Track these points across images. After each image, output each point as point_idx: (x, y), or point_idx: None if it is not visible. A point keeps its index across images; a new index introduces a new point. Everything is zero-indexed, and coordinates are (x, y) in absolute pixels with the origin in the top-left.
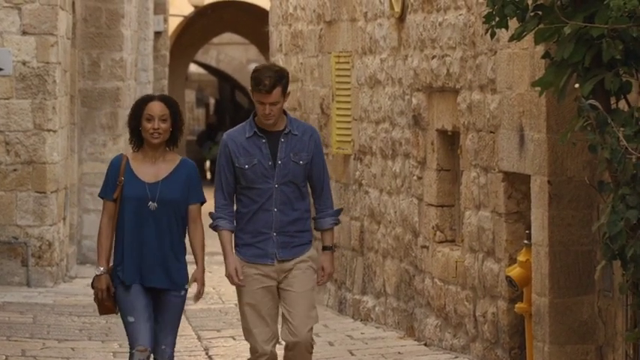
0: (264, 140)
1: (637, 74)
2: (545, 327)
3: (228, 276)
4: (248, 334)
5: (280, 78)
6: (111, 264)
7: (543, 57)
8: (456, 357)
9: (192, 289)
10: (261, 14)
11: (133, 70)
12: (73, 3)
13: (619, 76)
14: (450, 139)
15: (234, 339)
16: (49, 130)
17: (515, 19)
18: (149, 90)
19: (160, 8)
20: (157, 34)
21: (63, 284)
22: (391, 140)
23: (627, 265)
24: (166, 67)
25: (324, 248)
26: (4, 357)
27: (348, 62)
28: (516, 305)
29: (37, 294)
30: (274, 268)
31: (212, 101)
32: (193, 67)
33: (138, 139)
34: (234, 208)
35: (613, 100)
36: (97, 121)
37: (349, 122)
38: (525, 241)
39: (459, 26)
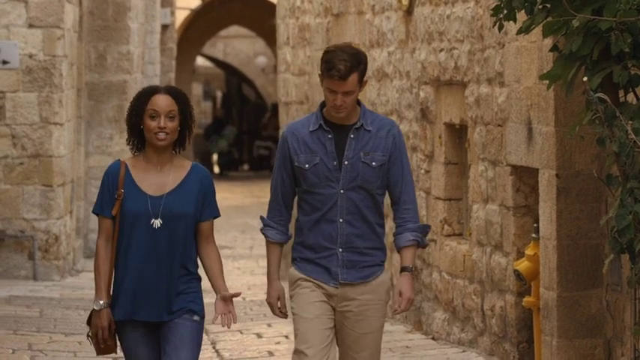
0: (329, 135)
1: None
2: (553, 321)
3: (269, 304)
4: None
5: (358, 63)
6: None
7: (551, 50)
8: (464, 351)
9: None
10: (269, 7)
11: (140, 64)
12: None
13: (627, 69)
14: (458, 133)
15: (242, 333)
16: (55, 124)
17: (523, 11)
18: (155, 83)
19: (167, 1)
20: (164, 27)
21: (69, 278)
22: None
23: (635, 259)
24: (173, 60)
25: (403, 269)
26: (10, 351)
27: None
28: (524, 299)
29: (44, 288)
30: (336, 292)
31: (219, 94)
32: (200, 61)
33: (139, 140)
34: (289, 215)
35: (621, 93)
36: (103, 115)
37: None
38: (533, 235)
39: (466, 19)
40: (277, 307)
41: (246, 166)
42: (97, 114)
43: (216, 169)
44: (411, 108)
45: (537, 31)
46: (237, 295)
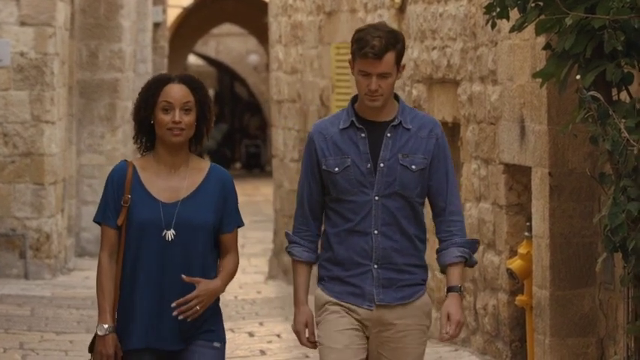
0: (363, 134)
1: (638, 65)
2: (546, 320)
3: (296, 332)
4: None
5: (394, 41)
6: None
7: (544, 48)
8: (457, 350)
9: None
10: (261, 5)
11: (132, 62)
12: None
13: (620, 68)
14: (451, 131)
15: (233, 331)
16: (47, 122)
17: (516, 9)
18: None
19: None
20: (156, 25)
21: (61, 276)
22: None
23: (628, 258)
24: (165, 58)
25: (450, 289)
26: (2, 349)
27: (347, 53)
28: (517, 298)
29: (35, 286)
30: (371, 315)
31: (211, 93)
32: (192, 59)
33: (148, 137)
34: (319, 230)
35: (614, 92)
36: (95, 113)
37: None
38: (526, 234)
39: (459, 17)
40: (305, 335)
41: (238, 165)
42: (89, 112)
43: None
44: None
45: (530, 29)
46: (196, 281)
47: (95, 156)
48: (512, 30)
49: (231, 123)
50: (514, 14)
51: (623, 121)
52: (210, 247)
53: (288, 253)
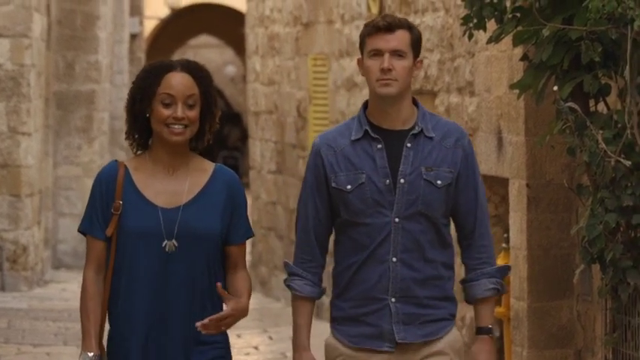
0: (379, 145)
1: (616, 76)
2: (523, 331)
3: None
4: None
5: (409, 25)
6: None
7: (522, 59)
8: None
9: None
10: (238, 16)
11: (109, 73)
12: (48, 5)
13: (598, 79)
14: None
15: None
16: (23, 134)
17: (493, 21)
18: (124, 93)
19: (136, 10)
20: (133, 36)
21: (38, 289)
22: None
23: (606, 269)
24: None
25: (479, 331)
26: None
27: (324, 65)
28: (495, 309)
29: (12, 298)
30: (393, 359)
31: None
32: None
33: (143, 134)
34: (324, 259)
35: (592, 103)
36: (72, 124)
37: (326, 125)
38: (504, 245)
39: (436, 28)
40: None
41: None
42: (66, 124)
43: None
44: None
45: (507, 40)
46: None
47: (72, 167)
48: (489, 41)
49: None
50: (491, 25)
51: (601, 132)
52: (216, 259)
53: (288, 287)
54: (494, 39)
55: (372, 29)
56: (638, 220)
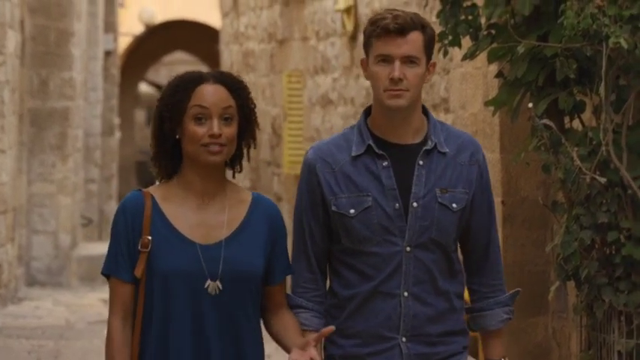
0: (385, 163)
1: (591, 93)
2: None
3: None
4: None
5: (422, 23)
6: None
7: (496, 76)
8: None
9: None
10: (212, 33)
11: (83, 90)
12: (22, 21)
13: (573, 96)
14: None
15: None
16: None
17: (468, 37)
18: (98, 110)
19: (110, 27)
20: (107, 53)
21: (11, 306)
22: None
23: (581, 286)
24: (116, 86)
25: None
26: None
27: (299, 82)
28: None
29: None
30: None
31: None
32: (143, 87)
33: (171, 158)
34: (325, 286)
35: (567, 120)
36: (45, 142)
37: (301, 142)
38: None
39: None
40: None
41: None
42: (40, 141)
43: None
44: None
45: (482, 57)
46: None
47: (46, 185)
48: (464, 58)
49: None
50: (466, 42)
51: (576, 149)
52: (257, 301)
53: None
54: (469, 56)
55: (381, 31)
56: (613, 237)
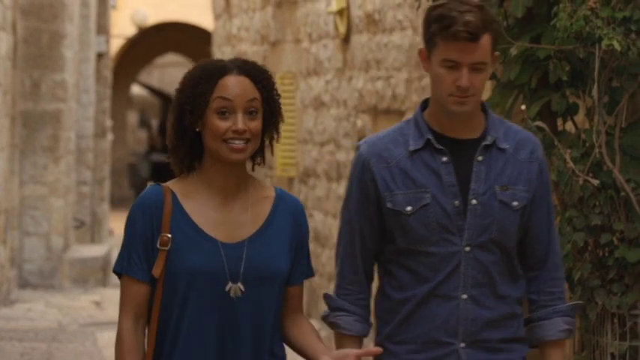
0: (444, 158)
1: (584, 95)
2: None
3: None
4: None
5: (490, 19)
6: None
7: (489, 78)
8: None
9: None
10: (205, 35)
11: (75, 92)
12: (14, 24)
13: (565, 98)
14: None
15: None
16: None
17: None
18: (90, 112)
19: (103, 29)
20: (99, 55)
21: (3, 309)
22: (336, 162)
23: (574, 288)
24: (108, 88)
25: None
26: None
27: (292, 83)
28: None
29: None
30: None
31: (155, 123)
32: (136, 89)
33: (190, 152)
34: (370, 289)
35: (560, 122)
36: (37, 144)
37: (293, 144)
38: None
39: (404, 47)
40: None
41: None
42: (31, 143)
43: None
44: (349, 136)
45: None
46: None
47: (38, 187)
48: None
49: None
50: None
51: (569, 151)
52: (280, 303)
53: (331, 324)
54: None
55: (449, 36)
56: (606, 240)
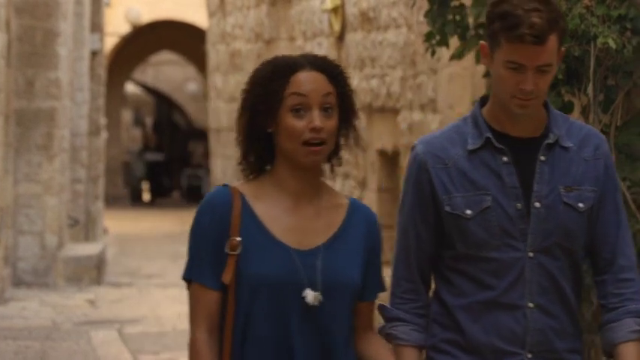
0: (505, 158)
1: (579, 94)
2: None
3: None
4: None
5: (557, 17)
6: None
7: (484, 76)
8: None
9: None
10: (199, 33)
11: (69, 90)
12: (8, 22)
13: (561, 96)
14: (391, 160)
15: None
16: None
17: (456, 37)
18: (84, 110)
19: (97, 27)
20: (94, 53)
21: None
22: None
23: None
24: (103, 86)
25: None
26: None
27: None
28: None
29: None
30: None
31: (149, 121)
32: (130, 87)
33: (260, 154)
34: (428, 296)
35: None
36: (32, 142)
37: None
38: None
39: (399, 45)
40: None
41: (177, 194)
42: (26, 141)
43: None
44: None
45: (470, 57)
46: None
47: (32, 185)
48: (452, 58)
49: (169, 152)
50: (454, 42)
51: None
52: (352, 317)
53: (387, 336)
54: (457, 56)
55: (514, 38)
56: None
